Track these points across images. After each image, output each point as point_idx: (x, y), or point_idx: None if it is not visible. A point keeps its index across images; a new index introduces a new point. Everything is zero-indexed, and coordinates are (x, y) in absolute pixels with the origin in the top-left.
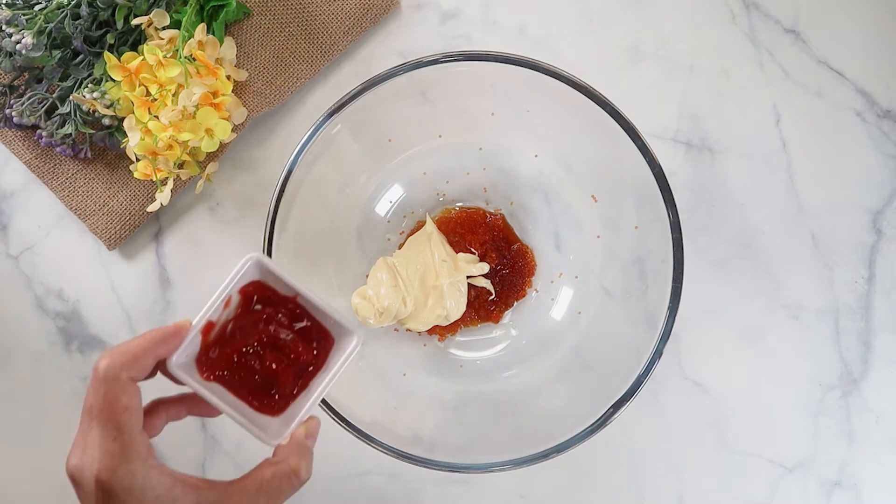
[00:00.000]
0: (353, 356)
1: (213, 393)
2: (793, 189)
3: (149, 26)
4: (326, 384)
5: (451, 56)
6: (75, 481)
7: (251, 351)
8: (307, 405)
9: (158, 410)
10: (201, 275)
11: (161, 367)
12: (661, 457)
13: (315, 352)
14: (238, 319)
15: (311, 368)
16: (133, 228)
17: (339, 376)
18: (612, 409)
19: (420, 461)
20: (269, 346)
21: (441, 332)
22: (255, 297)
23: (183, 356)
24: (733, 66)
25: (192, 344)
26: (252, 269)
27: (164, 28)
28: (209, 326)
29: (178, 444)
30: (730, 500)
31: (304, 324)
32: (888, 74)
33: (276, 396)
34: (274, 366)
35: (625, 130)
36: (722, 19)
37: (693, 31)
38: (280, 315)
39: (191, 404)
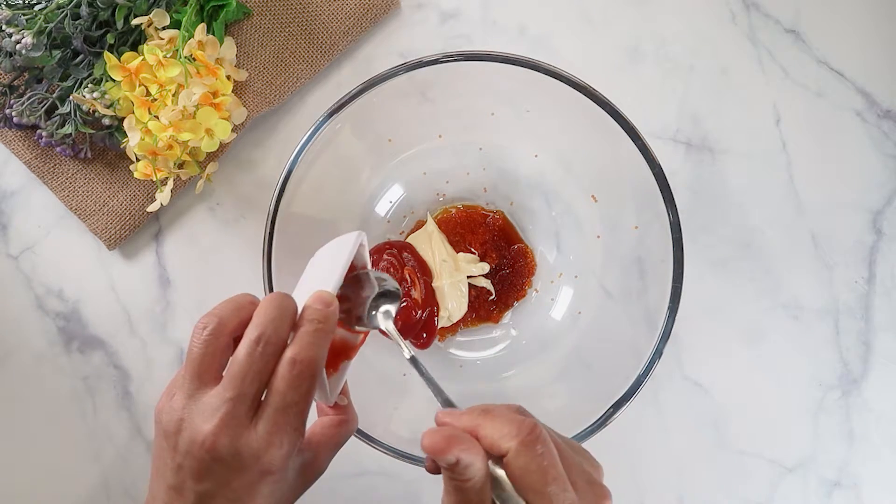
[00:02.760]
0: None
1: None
2: (793, 189)
3: (149, 26)
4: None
5: (451, 56)
6: (221, 457)
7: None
8: (344, 371)
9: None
10: (201, 275)
11: None
12: (661, 457)
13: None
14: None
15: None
16: (133, 228)
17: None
18: (612, 409)
19: (420, 461)
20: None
21: (441, 332)
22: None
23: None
24: (733, 66)
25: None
26: (357, 246)
27: (164, 28)
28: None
29: None
30: (730, 500)
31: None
32: (888, 74)
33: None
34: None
35: (625, 130)
36: (722, 19)
37: (693, 31)
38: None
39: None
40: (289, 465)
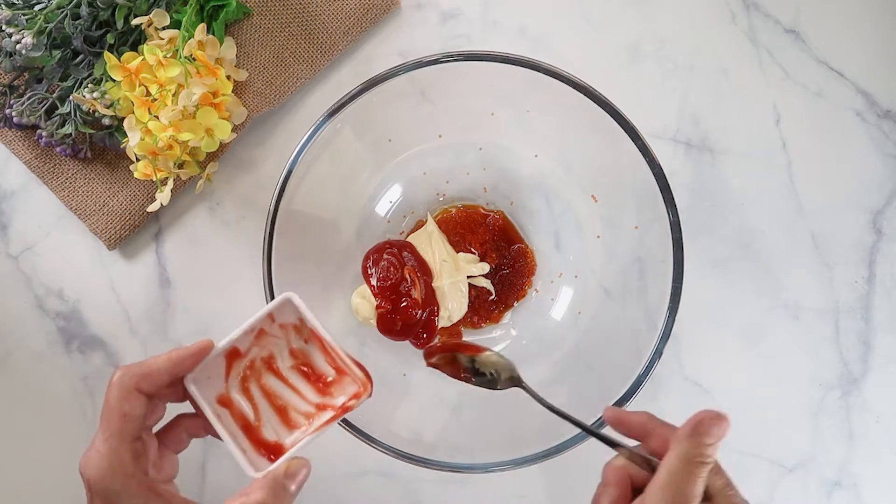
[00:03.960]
0: (359, 405)
1: (219, 416)
2: (793, 189)
3: (149, 26)
4: (320, 427)
5: (451, 56)
6: (82, 476)
7: (265, 381)
8: (300, 444)
9: (178, 425)
10: (201, 275)
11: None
12: None
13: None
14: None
15: (315, 408)
16: (133, 228)
17: (333, 425)
18: None
19: (420, 461)
20: (285, 380)
21: (442, 333)
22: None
23: (203, 375)
24: (733, 66)
25: (213, 366)
26: (284, 306)
27: (164, 28)
28: (234, 353)
29: None
30: None
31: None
32: (888, 74)
33: (273, 430)
34: (281, 402)
35: (625, 130)
36: (722, 19)
37: (693, 31)
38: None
39: (207, 423)
40: (114, 488)
